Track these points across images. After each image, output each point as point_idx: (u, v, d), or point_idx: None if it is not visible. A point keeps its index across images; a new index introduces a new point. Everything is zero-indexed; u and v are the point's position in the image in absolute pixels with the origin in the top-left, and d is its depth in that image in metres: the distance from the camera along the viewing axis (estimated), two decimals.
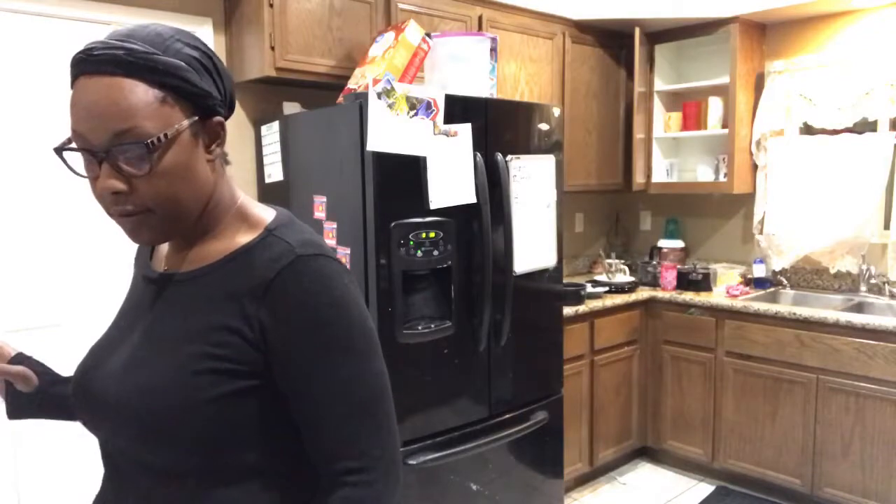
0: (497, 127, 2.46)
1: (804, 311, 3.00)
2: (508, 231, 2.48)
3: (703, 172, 3.80)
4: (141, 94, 0.80)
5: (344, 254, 2.26)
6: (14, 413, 1.08)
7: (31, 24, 2.25)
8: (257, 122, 2.73)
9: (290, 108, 2.69)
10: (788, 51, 3.55)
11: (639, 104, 3.75)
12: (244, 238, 0.92)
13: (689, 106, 3.75)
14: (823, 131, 3.43)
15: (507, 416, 2.59)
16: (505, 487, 2.59)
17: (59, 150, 0.85)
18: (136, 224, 0.85)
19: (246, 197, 0.98)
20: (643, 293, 3.57)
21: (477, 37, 2.62)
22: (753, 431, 3.21)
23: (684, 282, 3.59)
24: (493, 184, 2.43)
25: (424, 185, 2.23)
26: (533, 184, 2.61)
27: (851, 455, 2.90)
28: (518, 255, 2.53)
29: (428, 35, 2.50)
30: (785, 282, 3.62)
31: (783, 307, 3.13)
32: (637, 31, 3.63)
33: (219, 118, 0.90)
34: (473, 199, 2.36)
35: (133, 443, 0.88)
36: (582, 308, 3.21)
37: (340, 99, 2.41)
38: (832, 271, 3.45)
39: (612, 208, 4.35)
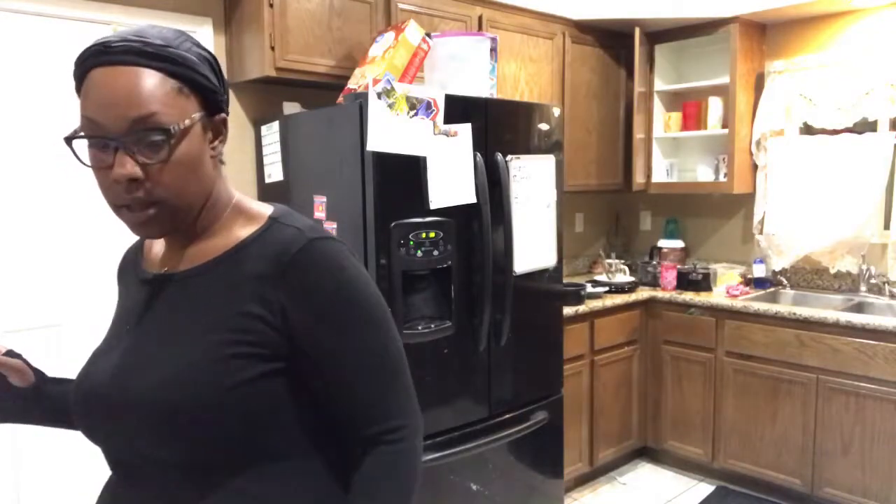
0: (497, 127, 2.46)
1: (804, 311, 3.00)
2: (508, 231, 2.48)
3: (703, 172, 3.80)
4: (159, 82, 0.83)
5: None
6: (1, 416, 1.03)
7: (31, 24, 2.25)
8: (257, 122, 2.73)
9: (290, 108, 2.69)
10: (788, 51, 3.55)
11: (639, 104, 3.75)
12: (245, 231, 0.94)
13: (689, 106, 3.76)
14: (823, 131, 3.43)
15: (507, 416, 2.59)
16: (505, 487, 2.59)
17: (69, 140, 0.85)
18: (143, 216, 0.85)
19: (241, 195, 1.00)
20: (643, 293, 3.57)
21: (477, 37, 2.62)
22: (753, 431, 3.20)
23: (684, 282, 3.59)
24: (493, 184, 2.43)
25: (424, 185, 2.23)
26: (533, 184, 2.61)
27: (851, 455, 2.90)
28: (518, 255, 2.53)
29: (428, 35, 2.50)
30: (785, 282, 3.62)
31: (783, 307, 3.13)
32: (637, 31, 3.63)
33: (223, 115, 0.93)
34: (473, 199, 2.36)
35: (156, 441, 0.86)
36: (582, 308, 3.21)
37: (340, 99, 2.41)
38: (832, 271, 3.45)
39: (611, 208, 4.35)
